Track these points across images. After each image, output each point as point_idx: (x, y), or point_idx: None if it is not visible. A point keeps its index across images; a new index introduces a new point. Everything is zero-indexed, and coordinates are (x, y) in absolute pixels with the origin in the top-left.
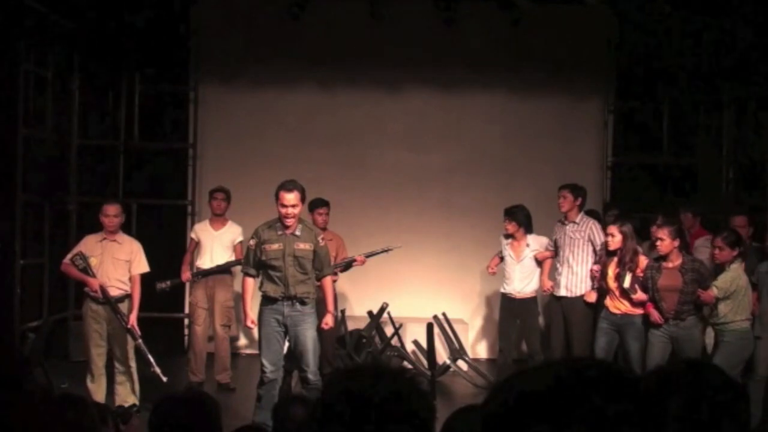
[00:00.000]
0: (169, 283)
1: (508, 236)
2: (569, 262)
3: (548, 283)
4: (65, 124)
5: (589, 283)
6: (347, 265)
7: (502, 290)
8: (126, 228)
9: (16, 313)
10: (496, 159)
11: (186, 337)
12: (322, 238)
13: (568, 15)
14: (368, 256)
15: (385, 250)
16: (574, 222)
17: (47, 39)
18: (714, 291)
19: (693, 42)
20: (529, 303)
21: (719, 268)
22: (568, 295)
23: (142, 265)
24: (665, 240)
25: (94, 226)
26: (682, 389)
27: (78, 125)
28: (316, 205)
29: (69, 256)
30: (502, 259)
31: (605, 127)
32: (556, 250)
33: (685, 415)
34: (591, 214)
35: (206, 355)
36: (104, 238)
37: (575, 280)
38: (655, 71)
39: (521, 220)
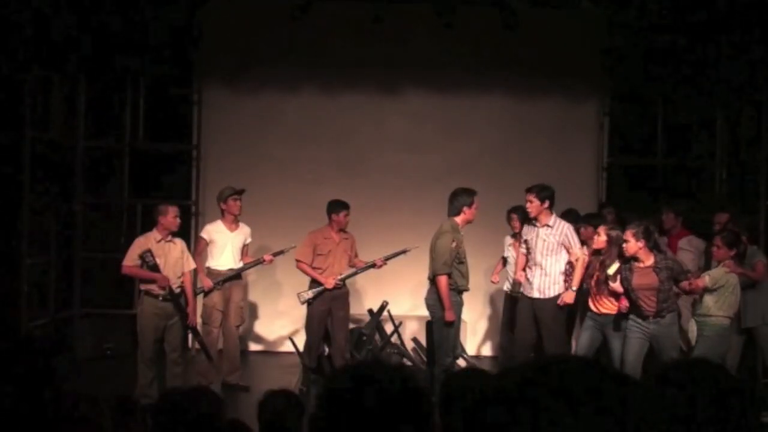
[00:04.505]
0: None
1: (513, 235)
2: (542, 265)
3: (522, 276)
4: (71, 126)
5: (561, 285)
6: (366, 269)
7: (505, 289)
8: (132, 228)
9: (23, 312)
10: (495, 160)
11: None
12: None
13: (563, 19)
14: (387, 258)
15: (403, 252)
16: (548, 225)
17: (53, 43)
18: (706, 279)
19: (686, 44)
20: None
21: (709, 265)
22: (540, 296)
23: (192, 262)
24: (630, 241)
25: (99, 226)
26: (685, 387)
27: (84, 127)
28: (341, 207)
29: (130, 258)
30: (504, 263)
31: (601, 129)
32: (527, 251)
33: (688, 412)
34: (590, 216)
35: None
36: (162, 239)
37: (548, 281)
38: (650, 74)
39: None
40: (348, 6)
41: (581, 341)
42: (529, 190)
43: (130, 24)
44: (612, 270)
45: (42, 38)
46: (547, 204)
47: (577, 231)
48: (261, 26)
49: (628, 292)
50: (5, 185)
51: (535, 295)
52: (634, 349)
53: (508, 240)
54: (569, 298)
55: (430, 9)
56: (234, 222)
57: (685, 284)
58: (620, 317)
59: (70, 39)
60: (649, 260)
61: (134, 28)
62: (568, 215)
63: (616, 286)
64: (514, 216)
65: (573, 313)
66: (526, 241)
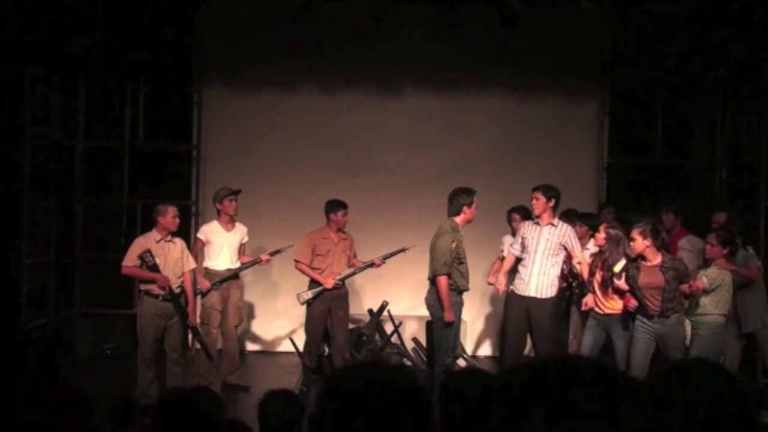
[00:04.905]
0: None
1: (514, 235)
2: (541, 264)
3: (503, 285)
4: (71, 126)
5: (557, 286)
6: (364, 269)
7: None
8: (131, 228)
9: (23, 312)
10: (495, 160)
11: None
12: None
13: (563, 19)
14: (385, 257)
15: (401, 250)
16: (552, 224)
17: (53, 43)
18: (704, 280)
19: (687, 45)
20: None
21: (706, 264)
22: (537, 296)
23: (192, 262)
24: (636, 239)
25: (99, 226)
26: (684, 387)
27: (84, 127)
28: (339, 207)
29: (130, 258)
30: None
31: (601, 129)
32: (522, 248)
33: (688, 412)
34: (585, 215)
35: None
36: (161, 239)
37: (546, 281)
38: (650, 74)
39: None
40: (348, 6)
41: (585, 341)
42: (536, 189)
43: (130, 24)
44: (618, 267)
45: (42, 38)
46: (552, 203)
47: None
48: (261, 26)
49: (634, 291)
50: (5, 185)
51: (532, 293)
52: (640, 349)
53: (508, 239)
54: (591, 301)
55: (430, 9)
56: (230, 222)
57: (685, 287)
58: (626, 317)
59: (70, 38)
60: (656, 259)
61: (135, 28)
62: (568, 215)
63: (621, 283)
64: (516, 216)
65: (568, 311)
66: (523, 239)
